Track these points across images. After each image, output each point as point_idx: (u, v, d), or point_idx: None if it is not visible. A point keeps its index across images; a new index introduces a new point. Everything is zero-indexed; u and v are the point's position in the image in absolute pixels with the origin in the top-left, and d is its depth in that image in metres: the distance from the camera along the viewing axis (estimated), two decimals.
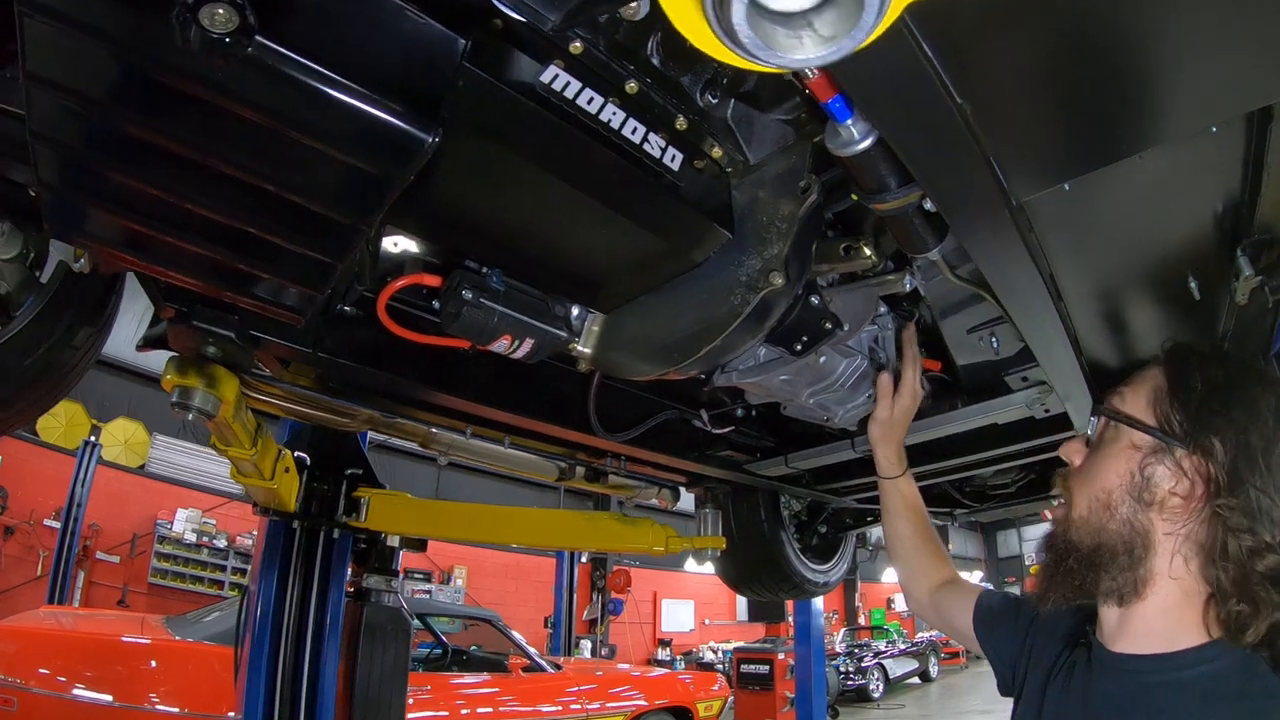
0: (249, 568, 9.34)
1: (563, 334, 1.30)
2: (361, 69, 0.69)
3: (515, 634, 5.85)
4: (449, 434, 2.53)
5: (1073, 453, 0.94)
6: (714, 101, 1.04)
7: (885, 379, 1.47)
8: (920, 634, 19.23)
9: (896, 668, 14.23)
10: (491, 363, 1.67)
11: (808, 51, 0.36)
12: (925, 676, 15.37)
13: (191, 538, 10.37)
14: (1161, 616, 0.82)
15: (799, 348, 1.42)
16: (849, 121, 0.81)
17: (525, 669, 5.72)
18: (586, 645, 11.39)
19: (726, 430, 2.25)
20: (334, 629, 2.92)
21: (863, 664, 13.26)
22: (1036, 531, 33.78)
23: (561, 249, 1.17)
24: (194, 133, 0.75)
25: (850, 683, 12.38)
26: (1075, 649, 0.98)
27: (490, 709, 5.27)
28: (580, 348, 1.36)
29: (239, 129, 0.73)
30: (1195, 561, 0.81)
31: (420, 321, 1.49)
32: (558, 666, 6.15)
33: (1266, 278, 1.28)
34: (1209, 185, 1.22)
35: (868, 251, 1.27)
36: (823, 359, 1.55)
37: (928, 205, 0.91)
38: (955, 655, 17.92)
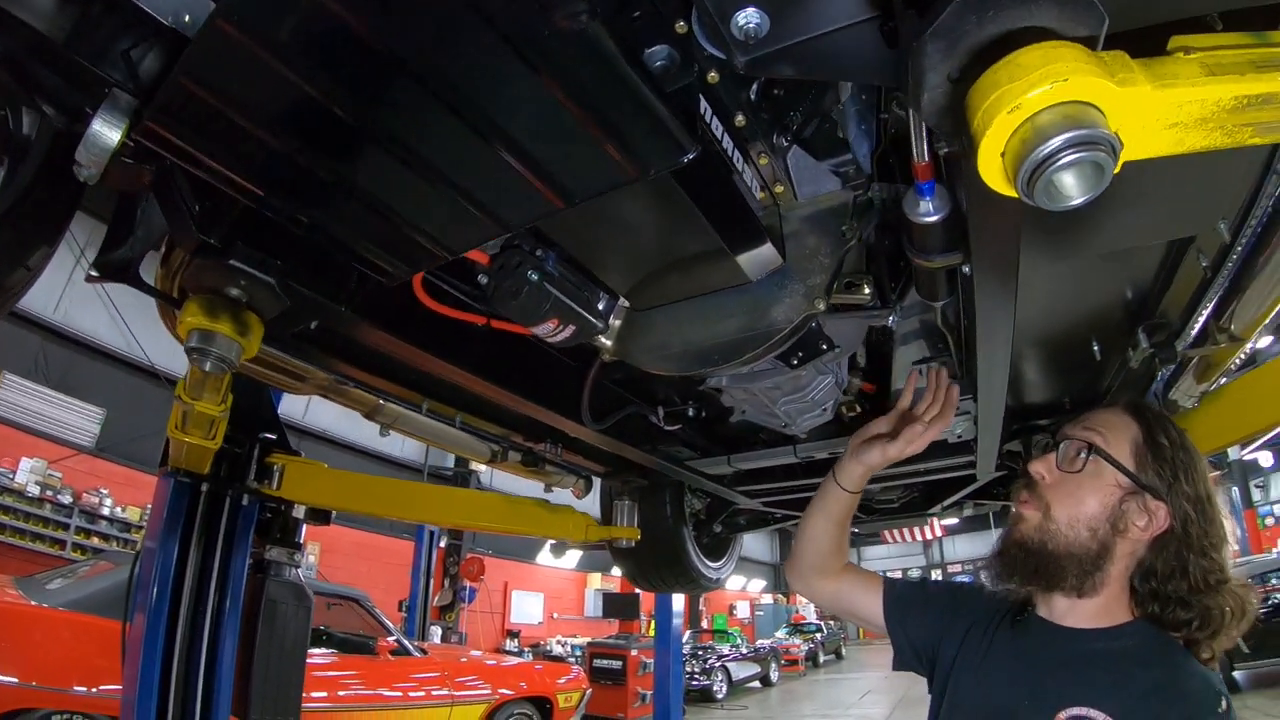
0: (140, 532, 8.48)
1: (599, 324, 1.42)
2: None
3: (383, 616, 5.79)
4: (397, 406, 2.58)
5: (1043, 469, 1.20)
6: (785, 145, 1.25)
7: (920, 430, 1.44)
8: (760, 641, 20.49)
9: (739, 670, 15.12)
10: (487, 342, 1.77)
11: (1074, 203, 0.59)
12: (766, 681, 16.43)
13: (35, 490, 9.25)
14: (1104, 604, 1.13)
15: (795, 362, 1.66)
16: (929, 198, 1.05)
17: (393, 652, 5.69)
18: (437, 632, 11.27)
19: (676, 428, 2.47)
20: (234, 603, 2.80)
21: (707, 665, 13.99)
22: (876, 552, 36.95)
23: (636, 246, 1.29)
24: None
25: (695, 682, 13.03)
26: (999, 625, 1.27)
27: (354, 692, 5.21)
28: (604, 339, 1.52)
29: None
30: (1133, 569, 1.13)
31: (443, 294, 1.59)
32: (424, 651, 6.14)
33: (1158, 350, 1.68)
34: (1130, 279, 1.61)
35: (867, 290, 1.51)
36: (803, 373, 1.80)
37: (965, 269, 1.17)
38: (794, 663, 19.28)
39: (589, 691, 7.61)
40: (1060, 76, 0.56)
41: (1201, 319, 1.63)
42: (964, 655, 1.27)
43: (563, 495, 3.42)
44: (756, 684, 16.11)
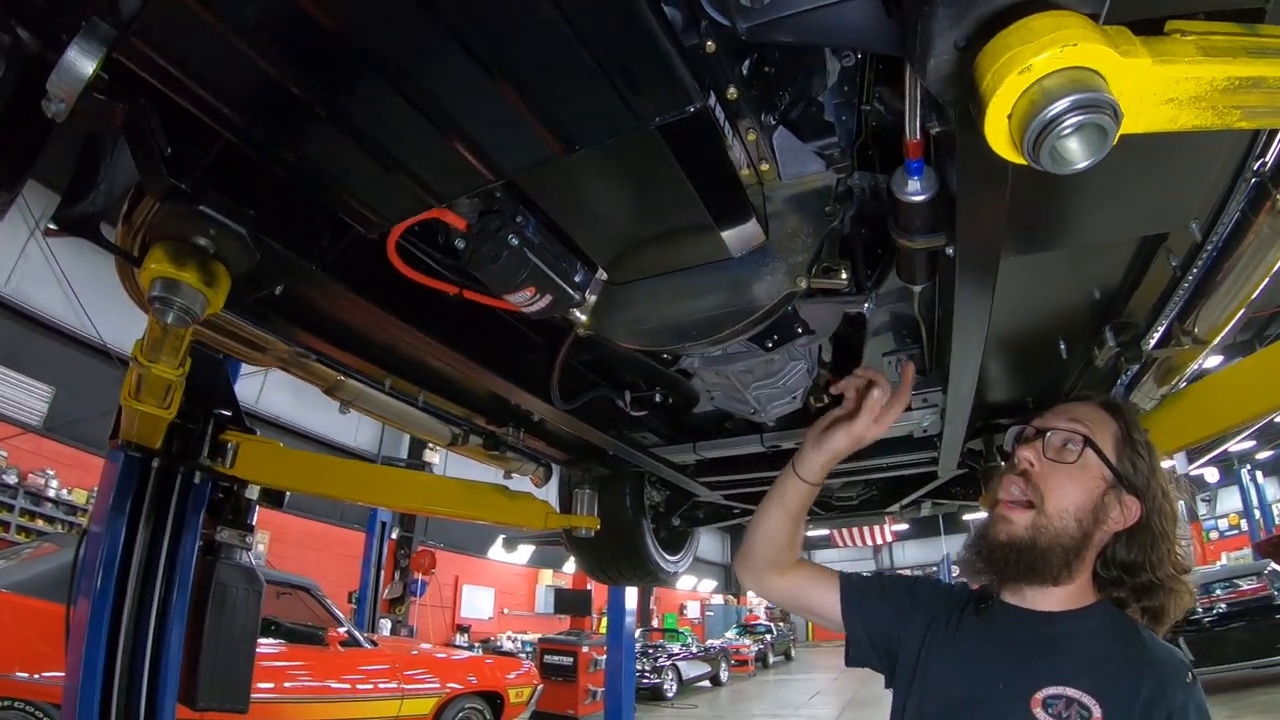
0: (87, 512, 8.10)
1: (576, 296, 1.41)
2: None
3: (333, 606, 5.68)
4: (357, 383, 2.53)
5: (1033, 457, 1.21)
6: (772, 124, 1.26)
7: (878, 395, 1.38)
8: (710, 640, 20.67)
9: (690, 670, 15.21)
10: (457, 314, 1.74)
11: (1077, 166, 0.60)
12: (716, 680, 16.54)
13: None
14: (1075, 589, 1.18)
15: (770, 345, 1.68)
16: (919, 178, 1.06)
17: (343, 643, 5.59)
18: (386, 625, 11.11)
19: (642, 414, 2.47)
20: (183, 586, 2.70)
21: (658, 664, 14.05)
22: (826, 556, 37.59)
23: (621, 215, 1.28)
24: None
25: (645, 681, 13.07)
26: (963, 614, 1.30)
27: (302, 683, 5.10)
28: (578, 313, 1.51)
29: None
30: (1098, 556, 1.18)
31: (415, 261, 1.56)
32: (374, 643, 6.05)
33: (1124, 350, 1.74)
34: (1100, 277, 1.66)
35: (844, 276, 1.53)
36: (776, 357, 1.82)
37: (949, 251, 1.19)
38: (744, 663, 19.47)
39: (540, 687, 7.57)
40: (1070, 41, 0.58)
41: (1167, 320, 1.69)
42: (930, 646, 1.29)
43: (520, 484, 3.40)
44: (706, 683, 16.23)
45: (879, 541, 26.98)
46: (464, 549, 16.20)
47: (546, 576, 19.53)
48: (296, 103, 0.92)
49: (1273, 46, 0.66)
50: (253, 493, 3.03)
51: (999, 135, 0.64)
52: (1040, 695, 1.07)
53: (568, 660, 9.38)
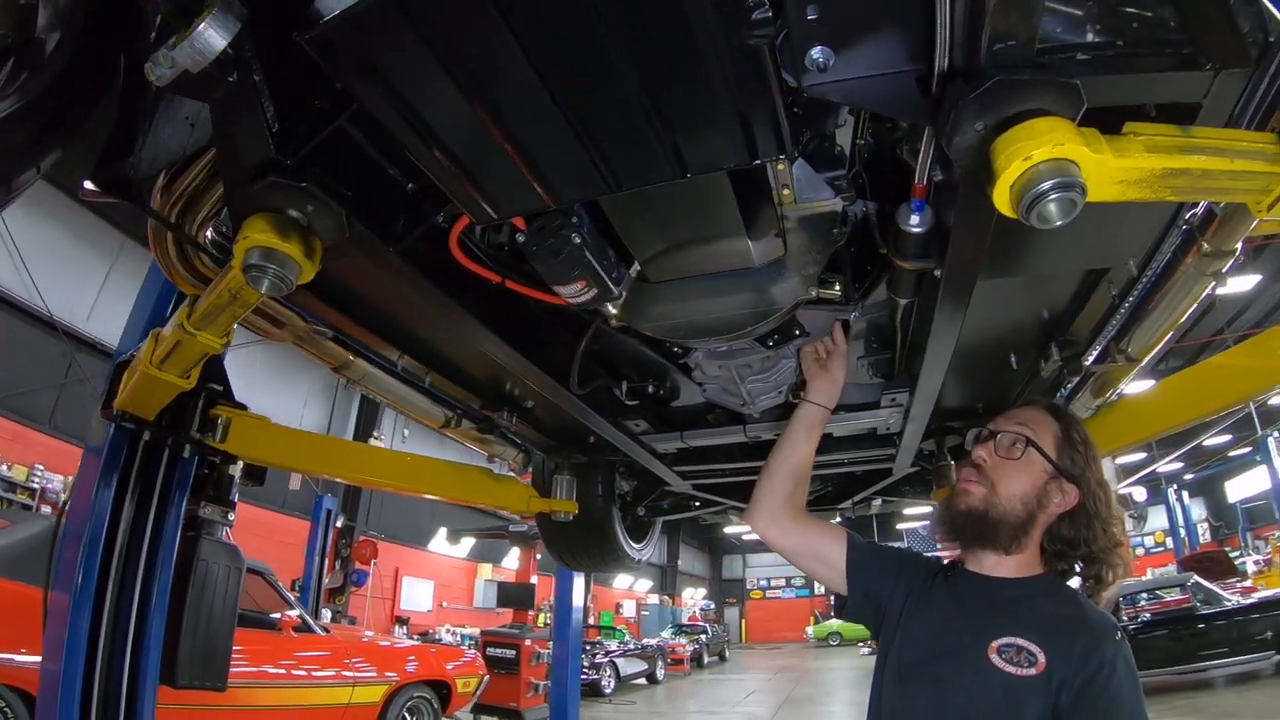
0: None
1: (615, 291, 1.58)
2: None
3: (286, 591, 5.72)
4: (366, 363, 2.67)
5: (985, 455, 1.51)
6: (795, 155, 1.52)
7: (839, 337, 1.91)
8: (646, 639, 21.03)
9: (627, 667, 15.54)
10: (491, 300, 1.91)
11: (1053, 224, 0.87)
12: (652, 679, 16.93)
13: None
14: (1024, 560, 1.46)
15: (771, 344, 1.94)
16: (920, 214, 1.34)
17: (296, 629, 5.64)
18: (326, 615, 11.05)
19: (634, 403, 2.70)
20: (166, 562, 2.71)
21: (596, 660, 14.32)
22: (761, 560, 38.55)
23: (669, 221, 1.49)
24: None
25: (584, 676, 13.31)
26: (936, 580, 1.57)
27: (255, 668, 5.14)
28: (610, 306, 1.74)
29: None
30: (1044, 534, 1.46)
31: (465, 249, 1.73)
32: (326, 630, 6.10)
33: (1066, 364, 2.06)
34: (1051, 301, 1.98)
35: (838, 288, 1.80)
36: (772, 354, 2.08)
37: (936, 273, 1.47)
38: (680, 662, 19.90)
39: (486, 678, 7.72)
40: (1059, 142, 0.85)
41: (1105, 340, 2.02)
42: (910, 607, 1.55)
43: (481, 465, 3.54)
44: (643, 681, 16.59)
45: None
46: (405, 540, 16.15)
47: (486, 571, 19.57)
48: (464, 105, 1.02)
49: (1197, 145, 0.95)
50: (236, 469, 3.08)
51: (1002, 198, 0.91)
52: (995, 644, 1.32)
53: (510, 653, 9.52)
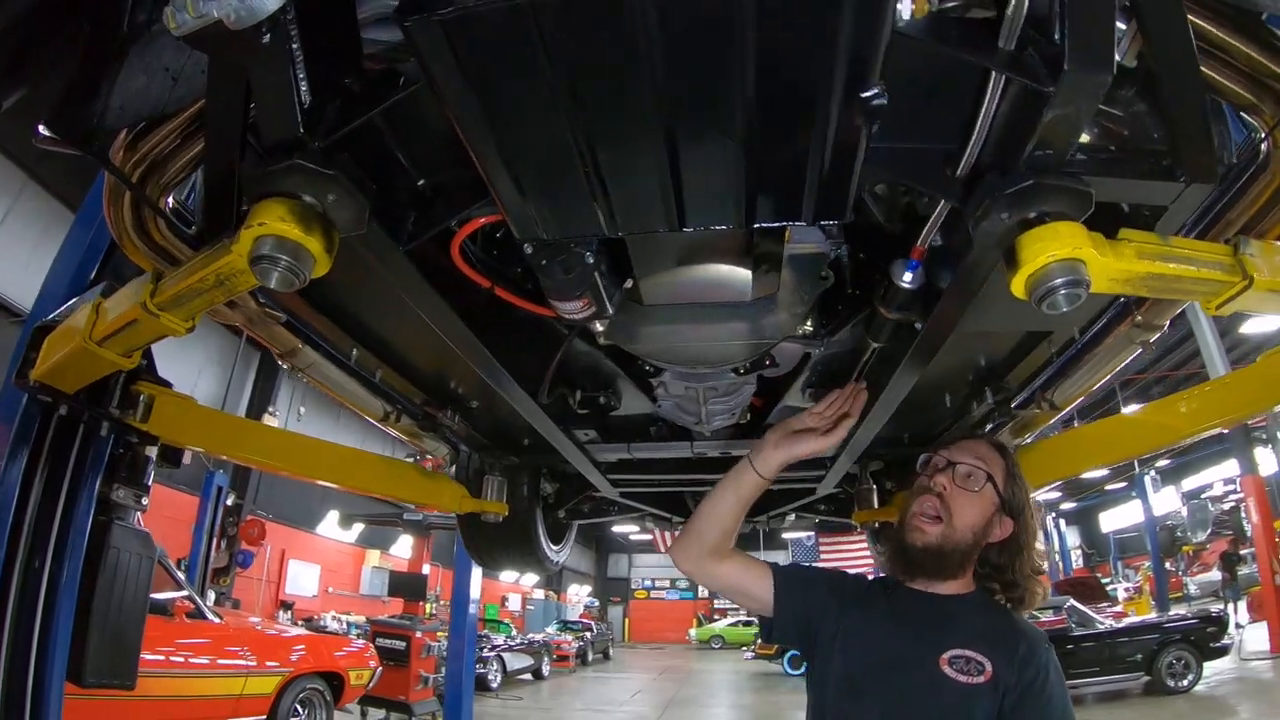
0: None
1: (609, 309, 1.62)
2: None
3: (179, 574, 5.41)
4: (314, 352, 2.58)
5: (946, 480, 1.60)
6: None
7: (844, 428, 1.70)
8: (532, 634, 21.00)
9: (514, 661, 15.47)
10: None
11: (1060, 311, 1.00)
12: (538, 674, 16.91)
13: None
14: (962, 580, 1.58)
15: (743, 370, 2.05)
16: (913, 273, 1.47)
17: (189, 614, 5.35)
18: (211, 596, 10.45)
19: (585, 412, 2.75)
20: (77, 549, 2.50)
21: (483, 654, 14.19)
22: (647, 560, 39.16)
23: (678, 248, 1.54)
24: None
25: None
26: (870, 595, 1.67)
27: (146, 655, 4.82)
28: (598, 324, 1.78)
29: None
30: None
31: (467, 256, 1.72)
32: (219, 616, 5.81)
33: (996, 408, 2.27)
34: (996, 351, 2.17)
35: (810, 326, 1.92)
36: (737, 380, 2.19)
37: (918, 325, 1.61)
38: (565, 659, 19.97)
39: (380, 670, 7.56)
40: (1075, 245, 0.99)
41: (1032, 389, 2.24)
42: (847, 624, 1.64)
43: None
44: (529, 676, 16.56)
45: None
46: (293, 522, 15.47)
47: (374, 557, 19.01)
48: (566, 126, 1.00)
49: (1174, 254, 1.12)
50: (152, 450, 2.86)
51: (1019, 285, 1.04)
52: (946, 655, 1.45)
53: (400, 644, 9.29)
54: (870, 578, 1.79)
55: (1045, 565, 1.67)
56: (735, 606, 37.61)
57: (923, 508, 1.59)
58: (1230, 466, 17.90)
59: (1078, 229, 1.00)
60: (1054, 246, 0.98)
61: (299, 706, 6.21)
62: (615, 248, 1.58)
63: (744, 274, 1.58)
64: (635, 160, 1.06)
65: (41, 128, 1.21)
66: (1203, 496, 20.46)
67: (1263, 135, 1.23)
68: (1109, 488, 22.61)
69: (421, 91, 1.20)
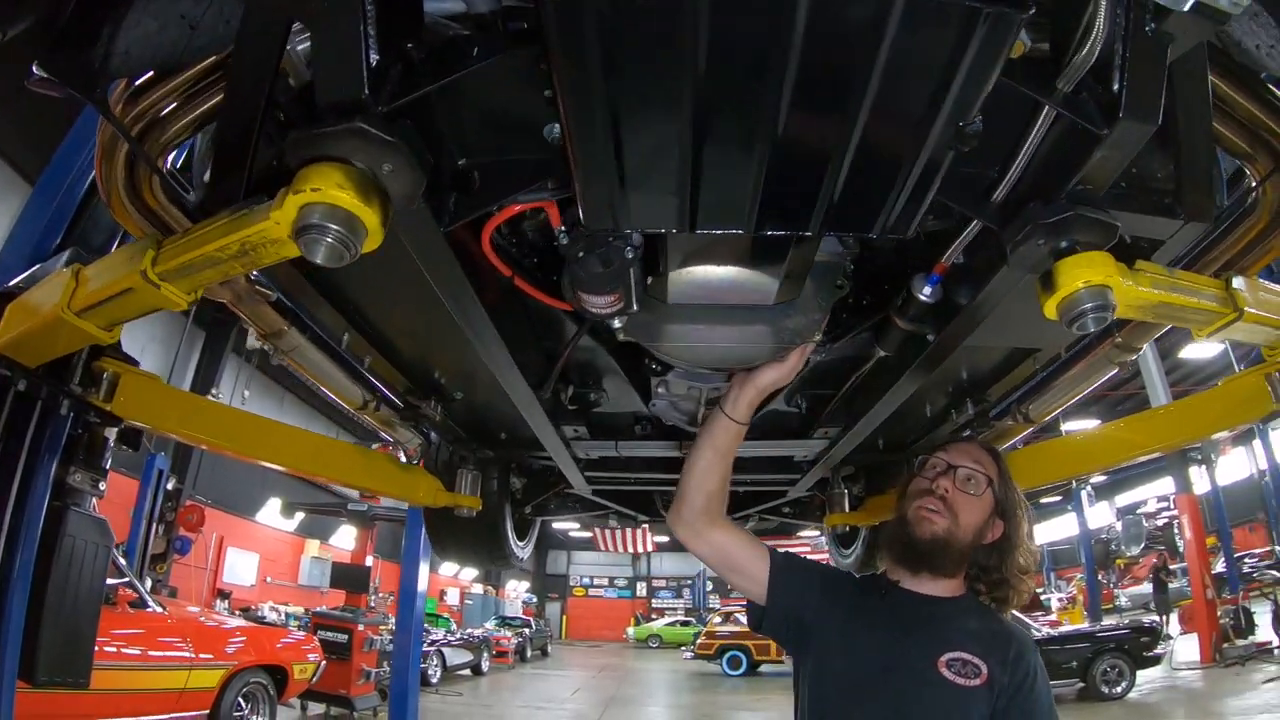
0: None
1: (635, 306, 1.59)
2: None
3: (122, 562, 5.21)
4: (299, 335, 2.53)
5: (948, 483, 1.67)
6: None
7: (798, 353, 1.79)
8: (470, 629, 20.82)
9: (454, 657, 15.33)
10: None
11: (1088, 332, 1.10)
12: (477, 670, 16.78)
13: None
14: (956, 581, 1.65)
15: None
16: (933, 287, 1.56)
17: (131, 604, 5.17)
18: (147, 583, 10.05)
19: (573, 408, 2.78)
20: (31, 537, 2.35)
21: (423, 648, 14.03)
22: (585, 557, 39.09)
23: (713, 248, 1.54)
24: None
25: None
26: (866, 596, 1.72)
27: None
28: (617, 320, 1.80)
29: None
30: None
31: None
32: (162, 606, 5.60)
33: (977, 418, 2.40)
34: (983, 365, 2.29)
35: (818, 336, 1.98)
36: None
37: (930, 338, 1.70)
38: (505, 655, 19.85)
39: (324, 664, 7.42)
40: (1107, 274, 1.08)
41: (1010, 401, 2.37)
42: (841, 622, 1.68)
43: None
44: (468, 672, 16.42)
45: (639, 550, 28.47)
46: (232, 508, 15.00)
47: (313, 547, 18.59)
48: (674, 118, 0.99)
49: (1180, 285, 1.23)
50: (111, 431, 2.66)
51: (1052, 307, 1.13)
52: (944, 659, 1.50)
53: (342, 638, 9.14)
54: (858, 576, 1.85)
55: (1034, 564, 1.75)
56: (672, 606, 38.41)
57: (926, 505, 1.64)
58: (1164, 484, 18.62)
59: (1108, 258, 1.10)
60: (1089, 273, 1.08)
61: (242, 701, 6.06)
62: (650, 244, 1.55)
63: (772, 279, 1.62)
64: (733, 160, 1.05)
65: (36, 67, 1.12)
66: (1138, 512, 21.26)
67: (1254, 183, 1.36)
68: (1044, 500, 23.55)
69: (492, 68, 1.15)
